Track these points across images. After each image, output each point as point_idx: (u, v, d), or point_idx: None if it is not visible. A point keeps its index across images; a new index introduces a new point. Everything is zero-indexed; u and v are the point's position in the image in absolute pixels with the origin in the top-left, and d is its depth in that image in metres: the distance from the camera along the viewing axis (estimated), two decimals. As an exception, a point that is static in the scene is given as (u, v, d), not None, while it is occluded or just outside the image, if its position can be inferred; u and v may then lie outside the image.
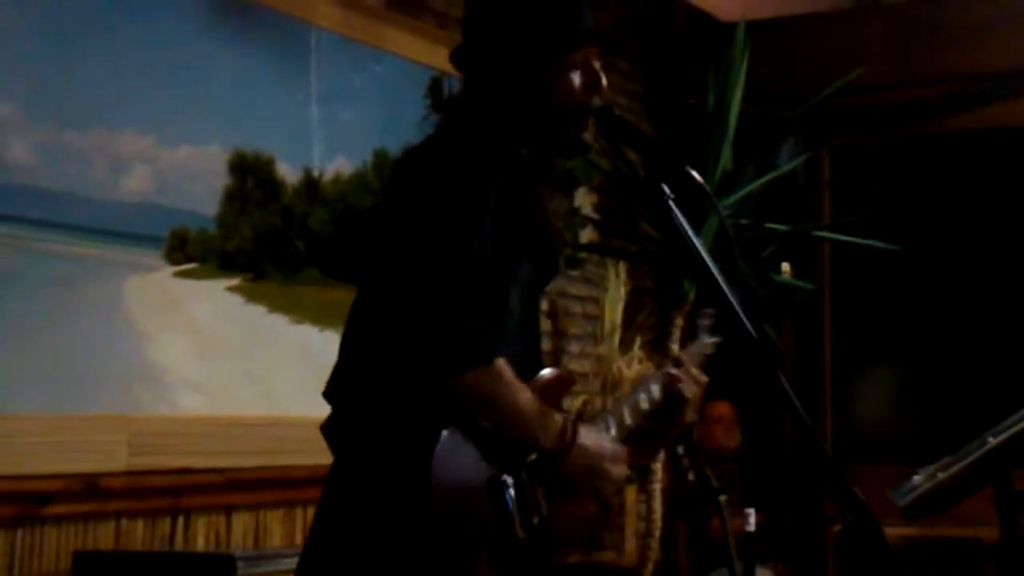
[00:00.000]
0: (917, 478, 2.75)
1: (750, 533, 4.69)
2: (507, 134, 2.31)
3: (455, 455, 2.12)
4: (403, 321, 2.15)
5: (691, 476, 5.06)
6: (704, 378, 2.57)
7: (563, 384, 2.37)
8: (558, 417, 2.22)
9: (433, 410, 2.13)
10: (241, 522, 3.87)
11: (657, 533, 5.01)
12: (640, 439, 2.53)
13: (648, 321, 5.69)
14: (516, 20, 2.35)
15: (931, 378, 6.32)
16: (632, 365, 5.42)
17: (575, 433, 2.22)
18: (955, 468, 2.73)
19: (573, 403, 5.12)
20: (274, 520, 3.97)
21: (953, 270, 6.24)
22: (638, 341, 5.59)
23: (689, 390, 2.52)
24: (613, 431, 2.41)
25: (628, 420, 2.46)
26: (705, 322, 2.79)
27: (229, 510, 3.84)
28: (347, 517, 2.21)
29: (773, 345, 2.53)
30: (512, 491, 2.16)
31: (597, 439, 2.28)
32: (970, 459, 2.73)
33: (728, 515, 3.81)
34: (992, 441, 2.72)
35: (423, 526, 2.10)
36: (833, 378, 6.39)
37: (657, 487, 4.99)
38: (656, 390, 2.53)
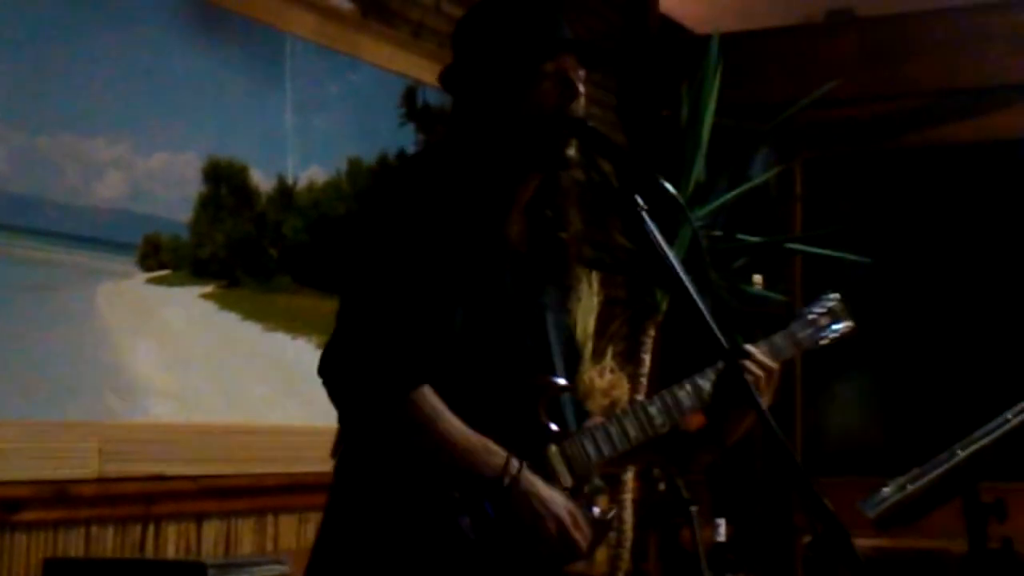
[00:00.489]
0: (887, 490, 2.77)
1: (720, 543, 4.72)
2: (482, 148, 2.32)
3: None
4: (335, 347, 2.19)
5: (661, 486, 5.07)
6: (774, 364, 2.50)
7: (546, 389, 2.37)
8: (497, 459, 2.19)
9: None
10: (212, 530, 3.86)
11: (628, 544, 5.02)
12: (696, 445, 2.51)
13: (620, 331, 5.71)
14: (496, 32, 2.37)
15: (901, 390, 6.35)
16: (604, 375, 5.43)
17: (518, 476, 2.20)
18: (924, 480, 2.75)
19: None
20: (245, 528, 3.97)
21: (924, 283, 6.28)
22: (610, 351, 5.60)
23: (752, 376, 2.43)
24: (631, 432, 2.41)
25: (658, 420, 2.43)
26: (838, 306, 2.75)
27: (200, 518, 3.83)
28: (340, 521, 2.26)
29: (744, 352, 2.51)
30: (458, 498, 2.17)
31: (541, 490, 2.23)
32: (939, 471, 2.74)
33: (698, 525, 3.82)
34: (961, 453, 2.73)
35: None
36: (803, 389, 6.41)
37: (628, 497, 5.00)
38: (704, 385, 2.48)
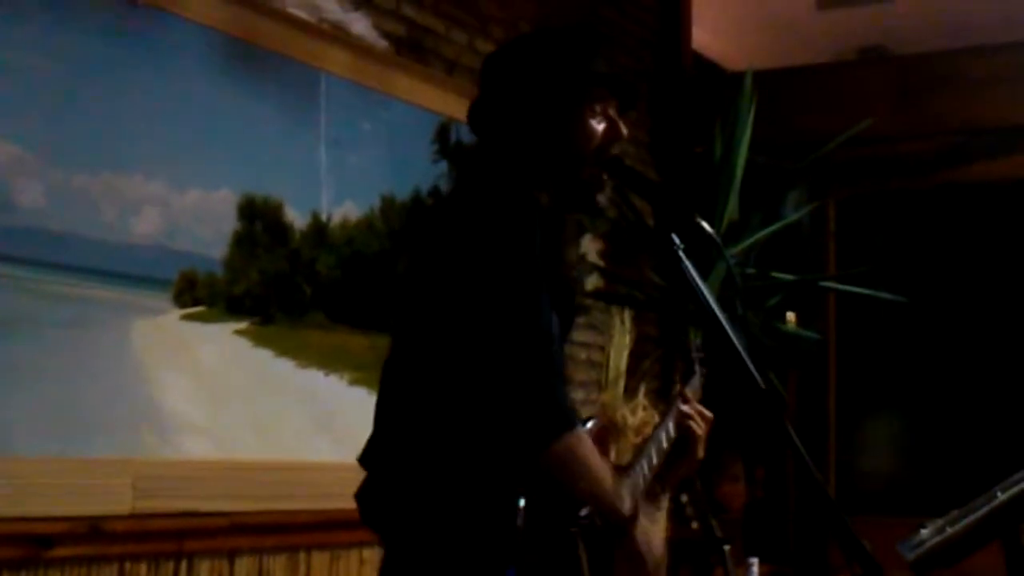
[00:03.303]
0: (925, 532, 2.75)
1: (754, 583, 4.66)
2: (530, 185, 2.30)
3: (531, 523, 2.09)
4: (478, 392, 2.08)
5: (695, 525, 5.04)
6: (709, 415, 2.56)
7: (607, 435, 2.37)
8: (625, 489, 2.23)
9: (505, 479, 2.07)
10: (244, 566, 3.85)
11: (660, 582, 4.98)
12: (656, 478, 2.54)
13: (652, 369, 5.69)
14: (540, 70, 2.35)
15: (936, 430, 6.31)
16: (636, 413, 5.41)
17: (637, 514, 2.23)
18: (963, 522, 2.73)
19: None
20: (277, 565, 3.96)
21: (958, 322, 6.25)
22: (642, 389, 5.58)
23: (699, 427, 2.52)
24: (647, 472, 2.43)
25: (655, 460, 2.47)
26: (697, 356, 2.81)
27: (232, 554, 3.82)
28: None
29: (779, 395, 2.53)
30: (583, 546, 2.14)
31: (650, 537, 2.27)
32: (979, 514, 2.72)
33: (732, 565, 3.79)
34: (1001, 496, 2.71)
35: None
36: (837, 429, 6.38)
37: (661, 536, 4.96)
38: (671, 428, 2.54)
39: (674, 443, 2.52)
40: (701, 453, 2.54)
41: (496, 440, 2.07)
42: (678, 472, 2.54)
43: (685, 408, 2.54)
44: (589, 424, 2.30)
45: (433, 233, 2.29)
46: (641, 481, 2.40)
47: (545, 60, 2.37)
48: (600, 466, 2.12)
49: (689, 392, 2.63)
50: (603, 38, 2.48)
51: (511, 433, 2.05)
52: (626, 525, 2.20)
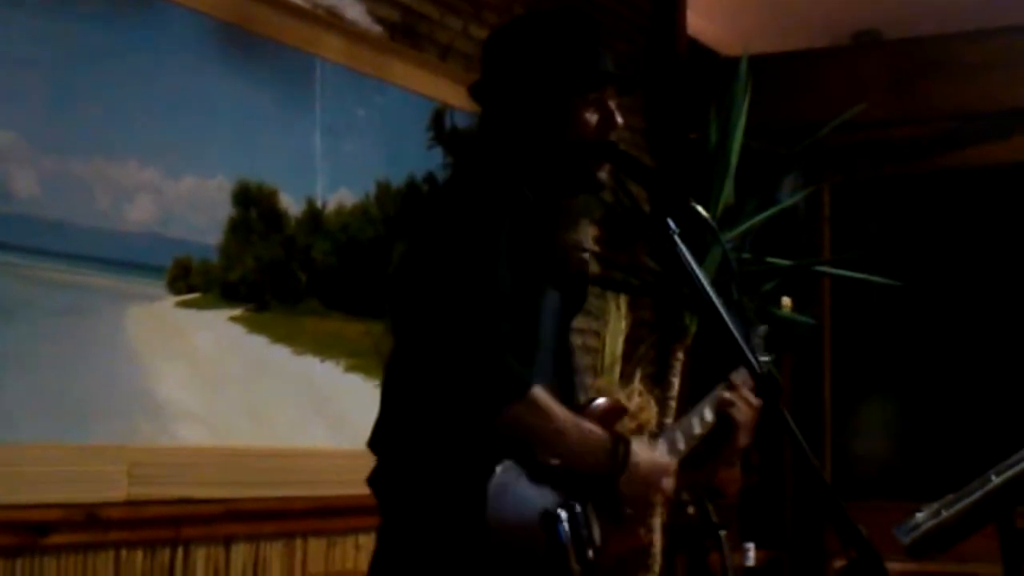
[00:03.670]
0: (920, 515, 2.75)
1: (750, 568, 4.68)
2: (520, 171, 2.31)
3: (509, 491, 2.12)
4: (436, 365, 2.14)
5: (691, 510, 5.04)
6: (757, 401, 2.54)
7: (617, 413, 2.37)
8: (605, 436, 2.22)
9: (483, 448, 2.12)
10: (240, 553, 3.85)
11: (656, 568, 4.99)
12: (694, 464, 2.52)
13: (648, 354, 5.69)
14: (537, 57, 2.36)
15: (930, 414, 6.32)
16: (632, 398, 5.41)
17: (627, 452, 2.23)
18: (959, 506, 2.73)
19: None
20: (273, 552, 3.96)
21: (953, 306, 6.25)
22: (638, 374, 5.58)
23: (742, 414, 2.51)
24: (683, 444, 2.43)
25: (681, 446, 2.46)
26: (759, 340, 2.78)
27: (228, 541, 3.82)
28: (403, 564, 2.21)
29: (775, 379, 2.53)
30: (566, 525, 2.15)
31: (649, 454, 2.29)
32: (974, 497, 2.72)
33: (728, 550, 3.80)
34: (995, 479, 2.71)
35: (479, 566, 2.09)
36: (833, 414, 6.38)
37: (657, 521, 4.97)
38: (709, 414, 2.52)
39: (715, 428, 2.50)
40: (745, 440, 2.53)
41: (459, 413, 2.14)
42: (723, 457, 2.53)
43: (728, 395, 2.53)
44: (599, 402, 2.32)
45: (417, 223, 2.38)
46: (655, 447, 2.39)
47: (545, 47, 2.37)
48: (558, 426, 2.15)
49: (738, 379, 2.60)
50: (602, 26, 2.46)
51: (463, 406, 2.12)
52: (613, 468, 2.21)
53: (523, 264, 2.21)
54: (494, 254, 2.16)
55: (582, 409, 2.34)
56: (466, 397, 2.11)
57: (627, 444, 2.23)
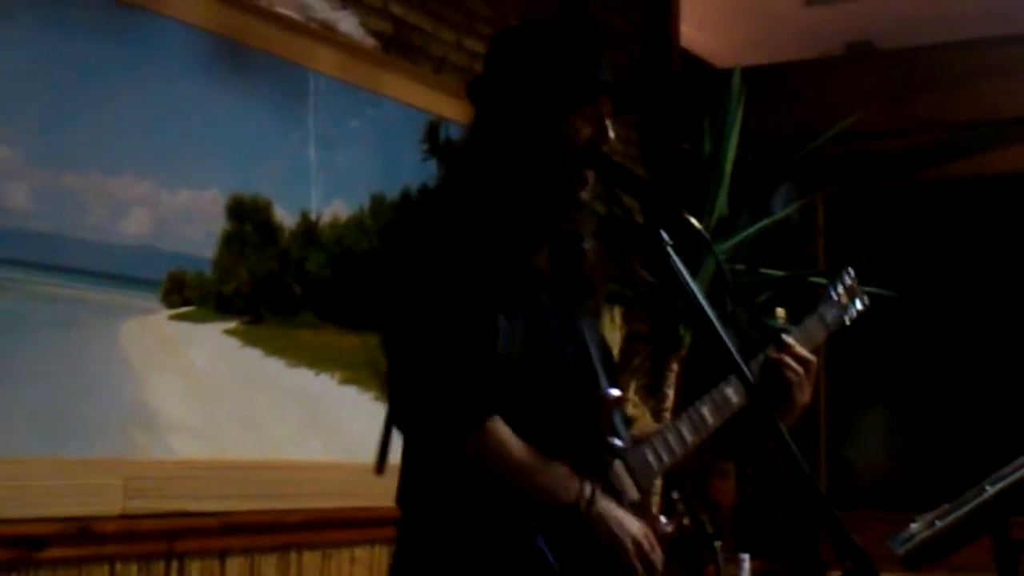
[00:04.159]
0: (915, 526, 2.75)
1: (745, 579, 4.65)
2: (505, 182, 2.31)
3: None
4: (394, 393, 2.21)
5: (686, 521, 5.04)
6: (811, 358, 2.46)
7: (603, 405, 2.32)
8: (568, 485, 2.18)
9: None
10: (235, 566, 3.85)
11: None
12: (742, 432, 2.46)
13: (643, 366, 5.69)
14: (534, 65, 2.36)
15: (925, 424, 6.31)
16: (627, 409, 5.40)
17: (591, 503, 2.18)
18: (953, 516, 2.73)
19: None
20: (268, 565, 3.95)
21: (948, 316, 6.25)
22: (633, 386, 5.58)
23: (795, 374, 2.43)
24: (687, 437, 2.38)
25: (710, 420, 2.41)
26: (851, 281, 2.69)
27: (223, 554, 3.82)
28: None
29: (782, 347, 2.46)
30: (542, 537, 2.14)
31: (616, 512, 2.22)
32: (968, 508, 2.72)
33: (723, 561, 3.80)
34: (990, 490, 2.72)
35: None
36: (827, 424, 6.38)
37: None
38: (733, 396, 2.43)
39: (765, 392, 2.38)
40: (805, 398, 2.42)
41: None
42: (783, 417, 2.39)
43: (776, 355, 2.44)
44: (611, 392, 2.30)
45: (398, 231, 2.41)
46: (644, 465, 2.33)
47: (544, 55, 2.37)
48: (512, 462, 2.15)
49: (792, 337, 2.49)
50: (602, 39, 2.46)
51: (423, 439, 2.18)
52: (577, 511, 2.17)
53: (479, 286, 2.21)
54: (442, 284, 2.18)
55: (591, 398, 2.31)
56: (421, 428, 2.16)
57: (591, 499, 2.18)
